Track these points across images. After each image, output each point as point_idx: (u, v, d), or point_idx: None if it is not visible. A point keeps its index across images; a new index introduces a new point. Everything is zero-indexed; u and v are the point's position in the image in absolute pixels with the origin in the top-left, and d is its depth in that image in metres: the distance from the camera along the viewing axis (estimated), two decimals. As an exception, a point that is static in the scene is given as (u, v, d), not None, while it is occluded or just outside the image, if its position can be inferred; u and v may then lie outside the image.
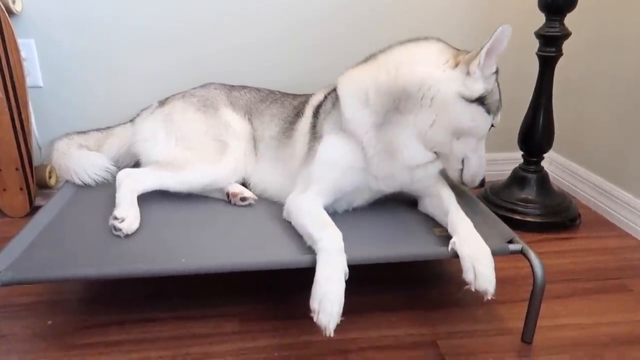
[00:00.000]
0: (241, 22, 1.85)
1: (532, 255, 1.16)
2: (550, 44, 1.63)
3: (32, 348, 1.18)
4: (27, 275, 1.11)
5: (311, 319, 1.03)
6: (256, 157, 1.54)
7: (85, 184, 1.55)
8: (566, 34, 1.61)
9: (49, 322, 1.26)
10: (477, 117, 1.21)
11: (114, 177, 1.48)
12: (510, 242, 1.23)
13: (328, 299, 1.03)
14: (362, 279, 1.08)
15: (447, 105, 1.19)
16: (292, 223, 1.28)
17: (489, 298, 1.07)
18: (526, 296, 1.18)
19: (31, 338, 1.21)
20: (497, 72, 1.25)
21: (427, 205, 1.38)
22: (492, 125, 1.27)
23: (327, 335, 1.01)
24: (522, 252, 1.19)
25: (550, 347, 1.19)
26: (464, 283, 1.10)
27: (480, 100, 1.21)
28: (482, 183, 1.32)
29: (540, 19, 1.63)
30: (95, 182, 1.55)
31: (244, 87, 1.69)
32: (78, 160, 1.56)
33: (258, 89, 1.68)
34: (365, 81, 1.27)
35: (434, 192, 1.36)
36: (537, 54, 1.67)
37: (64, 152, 1.58)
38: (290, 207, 1.30)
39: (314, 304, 1.03)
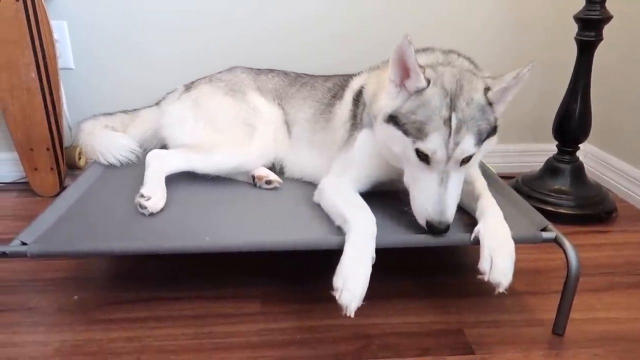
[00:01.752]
0: (269, 5, 1.84)
1: (567, 244, 1.11)
2: (590, 28, 1.56)
3: (58, 321, 1.20)
4: (54, 248, 1.13)
5: (333, 303, 1.00)
6: (290, 140, 1.52)
7: (110, 164, 1.56)
8: (607, 18, 1.54)
9: (75, 297, 1.27)
10: (392, 139, 1.11)
11: (139, 158, 1.50)
12: (544, 230, 1.18)
13: (353, 278, 1.01)
14: (384, 267, 1.05)
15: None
16: (323, 204, 1.26)
17: (501, 291, 1.03)
18: (558, 288, 1.14)
19: (57, 312, 1.23)
20: (426, 87, 1.07)
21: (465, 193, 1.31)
22: (426, 155, 1.06)
23: (347, 315, 0.99)
24: (555, 240, 1.15)
25: (582, 340, 1.15)
26: (478, 272, 1.06)
27: (393, 120, 1.09)
28: (431, 228, 1.09)
29: (580, 1, 1.56)
30: (120, 162, 1.56)
31: (270, 70, 1.68)
32: (103, 140, 1.58)
33: (285, 73, 1.66)
34: None
35: (467, 177, 1.30)
36: (575, 38, 1.61)
37: (90, 132, 1.60)
38: (324, 188, 1.28)
39: (338, 282, 1.01)
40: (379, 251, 1.07)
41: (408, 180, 1.14)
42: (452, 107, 1.05)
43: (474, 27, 1.90)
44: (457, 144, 1.05)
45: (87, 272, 1.39)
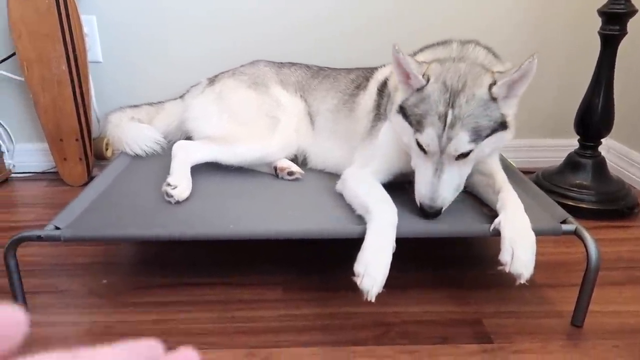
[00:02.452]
0: (289, 4, 1.87)
1: (587, 236, 1.12)
2: (614, 22, 1.55)
3: (88, 304, 1.25)
4: (85, 233, 1.18)
5: (353, 291, 1.03)
6: (313, 131, 1.55)
7: (136, 155, 1.61)
8: (632, 11, 1.53)
9: (104, 281, 1.32)
10: (401, 129, 1.18)
11: (164, 149, 1.55)
12: (564, 223, 1.19)
13: (374, 265, 1.03)
14: (404, 257, 1.07)
15: None
16: (345, 194, 1.28)
17: (522, 282, 1.03)
18: (577, 282, 1.14)
19: (87, 295, 1.28)
20: (425, 85, 1.12)
21: (478, 183, 1.33)
22: (424, 148, 1.13)
23: (368, 299, 1.01)
24: (575, 232, 1.15)
25: (601, 332, 1.15)
26: (499, 263, 1.06)
27: (402, 111, 1.17)
28: (422, 210, 1.17)
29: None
30: (145, 152, 1.61)
31: (292, 64, 1.70)
32: (129, 131, 1.63)
33: (307, 66, 1.69)
34: None
35: (487, 170, 1.32)
36: (599, 32, 1.60)
37: (117, 124, 1.65)
38: (347, 179, 1.31)
39: (359, 268, 1.03)
40: (400, 241, 1.09)
41: (413, 166, 1.20)
42: (450, 104, 1.09)
43: (494, 19, 1.90)
44: (449, 140, 1.09)
45: (115, 258, 1.45)
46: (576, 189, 1.71)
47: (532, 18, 1.91)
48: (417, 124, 1.13)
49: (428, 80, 1.12)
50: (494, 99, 1.10)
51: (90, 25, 1.84)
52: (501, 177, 1.29)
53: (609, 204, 1.68)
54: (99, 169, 1.89)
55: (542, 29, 1.92)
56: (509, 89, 1.11)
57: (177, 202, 1.29)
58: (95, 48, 1.88)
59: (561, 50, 1.94)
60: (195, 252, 1.44)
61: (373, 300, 1.01)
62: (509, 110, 1.14)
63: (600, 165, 1.73)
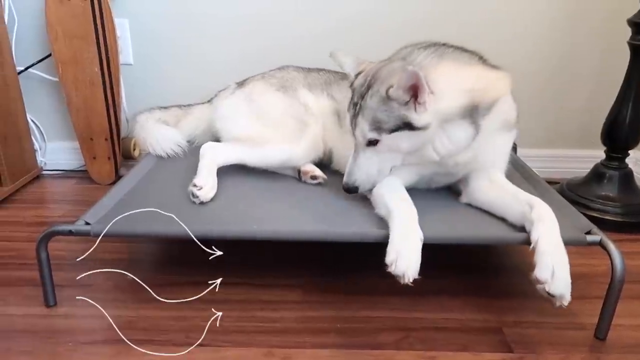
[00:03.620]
0: (317, 9, 1.90)
1: (612, 247, 1.10)
2: (645, 32, 1.53)
3: (113, 298, 1.28)
4: (114, 228, 1.20)
5: (373, 295, 1.04)
6: (341, 129, 1.55)
7: (158, 155, 1.65)
8: (663, 22, 1.51)
9: (129, 277, 1.35)
10: None
11: (185, 152, 1.61)
12: (588, 233, 1.17)
13: (405, 249, 1.05)
14: (426, 264, 1.06)
15: None
16: (371, 195, 1.29)
17: (564, 305, 1.02)
18: (601, 294, 1.13)
19: (112, 289, 1.32)
20: (354, 79, 1.28)
21: (495, 196, 1.28)
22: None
23: (406, 281, 1.02)
24: (600, 243, 1.14)
25: (625, 346, 1.13)
26: (535, 281, 1.03)
27: None
28: (346, 187, 1.26)
29: (634, 4, 1.54)
30: (167, 154, 1.64)
31: (320, 69, 1.72)
32: (153, 133, 1.67)
33: (335, 72, 1.70)
34: None
35: (496, 179, 1.30)
36: (628, 42, 1.58)
37: (142, 125, 1.69)
38: None
39: (391, 254, 1.05)
40: (423, 247, 1.09)
41: None
42: (362, 96, 1.20)
43: (523, 28, 1.90)
44: (356, 125, 1.21)
45: (140, 255, 1.49)
46: (601, 200, 1.69)
47: (560, 28, 1.90)
48: (347, 110, 1.28)
49: (356, 76, 1.28)
50: (393, 99, 1.14)
51: (122, 28, 1.90)
52: (522, 193, 1.25)
53: (634, 216, 1.66)
54: (126, 168, 1.95)
55: (571, 39, 1.91)
56: (408, 94, 1.12)
57: (202, 203, 1.32)
58: (126, 51, 1.93)
59: (590, 60, 1.93)
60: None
61: (411, 281, 1.02)
62: (422, 115, 1.14)
63: (627, 177, 1.70)
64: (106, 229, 1.18)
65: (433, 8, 1.89)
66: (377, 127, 1.18)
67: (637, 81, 1.60)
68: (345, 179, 1.27)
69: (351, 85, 1.29)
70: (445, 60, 1.22)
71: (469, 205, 1.33)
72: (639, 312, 1.25)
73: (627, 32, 1.58)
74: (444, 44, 1.29)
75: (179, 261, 1.45)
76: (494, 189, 1.28)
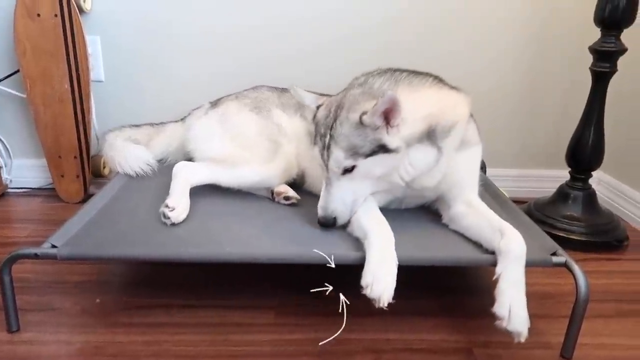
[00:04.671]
0: (293, 28, 1.92)
1: (576, 269, 1.14)
2: (605, 60, 1.60)
3: (80, 323, 1.25)
4: (82, 251, 1.18)
5: (345, 317, 1.03)
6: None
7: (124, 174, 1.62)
8: (622, 50, 1.58)
9: (98, 300, 1.32)
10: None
11: (158, 171, 1.58)
12: (554, 254, 1.21)
13: (382, 271, 1.06)
14: (399, 285, 1.08)
15: None
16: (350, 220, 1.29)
17: (520, 340, 1.05)
18: (567, 313, 1.16)
19: (80, 313, 1.28)
20: (316, 111, 1.30)
21: (466, 218, 1.30)
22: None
23: (381, 305, 1.03)
24: (565, 265, 1.17)
25: (590, 365, 1.16)
26: (494, 315, 1.06)
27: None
28: (319, 220, 1.26)
29: (595, 33, 1.61)
30: (136, 173, 1.62)
31: (292, 89, 1.73)
32: (121, 152, 1.64)
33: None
34: None
35: (467, 199, 1.32)
36: (590, 69, 1.65)
37: (111, 143, 1.67)
38: None
39: (367, 278, 1.06)
40: (397, 268, 1.10)
41: None
42: (330, 126, 1.21)
43: (495, 56, 1.97)
44: (329, 156, 1.21)
45: (109, 277, 1.45)
46: (567, 220, 1.74)
47: (528, 57, 1.97)
48: (313, 144, 1.28)
49: (318, 108, 1.30)
50: (367, 125, 1.16)
51: (94, 45, 1.88)
52: (492, 215, 1.27)
53: (599, 236, 1.71)
54: (96, 186, 1.91)
55: (538, 66, 1.99)
56: (382, 117, 1.15)
57: (173, 224, 1.30)
58: (98, 67, 1.91)
59: (555, 85, 2.00)
60: (189, 273, 1.45)
61: (386, 305, 1.03)
62: (394, 137, 1.18)
63: (590, 197, 1.76)
64: (73, 252, 1.15)
65: (412, 37, 1.93)
66: (353, 152, 1.18)
67: (598, 105, 1.67)
68: (321, 212, 1.25)
69: (314, 118, 1.30)
70: (401, 86, 1.25)
71: (445, 226, 1.35)
72: (602, 331, 1.28)
73: (590, 59, 1.65)
74: (396, 70, 1.32)
75: (150, 282, 1.43)
76: (471, 214, 1.29)
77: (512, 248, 1.13)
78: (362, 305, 1.08)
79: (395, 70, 1.32)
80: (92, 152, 1.92)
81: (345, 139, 1.19)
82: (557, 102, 2.02)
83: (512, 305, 1.05)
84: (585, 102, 1.70)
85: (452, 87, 1.33)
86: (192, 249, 1.20)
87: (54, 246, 1.16)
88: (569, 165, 1.77)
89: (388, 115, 1.16)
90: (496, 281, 1.11)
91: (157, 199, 1.38)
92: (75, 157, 1.88)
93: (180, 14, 1.89)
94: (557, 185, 1.84)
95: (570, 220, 1.73)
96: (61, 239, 1.20)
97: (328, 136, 1.22)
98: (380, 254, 1.11)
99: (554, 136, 2.03)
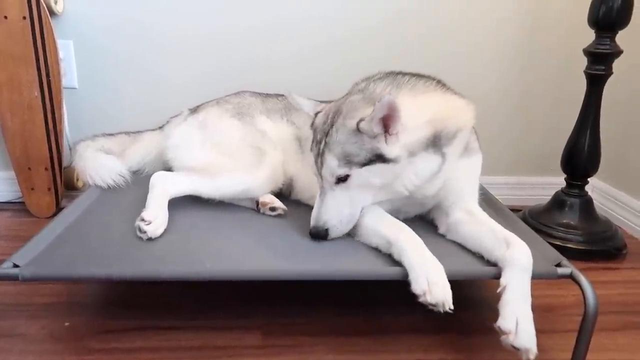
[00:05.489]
0: (283, 31, 1.85)
1: (583, 280, 1.07)
2: (600, 62, 1.56)
3: (47, 349, 1.14)
4: (48, 271, 1.08)
5: (337, 336, 0.95)
6: (302, 155, 1.48)
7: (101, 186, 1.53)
8: (617, 52, 1.54)
9: (66, 324, 1.22)
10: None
11: (133, 182, 1.50)
12: (558, 265, 1.14)
13: (433, 272, 1.01)
14: (395, 301, 1.00)
15: None
16: (358, 229, 1.21)
17: (529, 358, 0.97)
18: (571, 327, 1.10)
19: (47, 339, 1.17)
20: (314, 118, 1.26)
21: (468, 228, 1.24)
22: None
23: (448, 309, 0.99)
24: (571, 276, 1.10)
25: (600, 383, 1.09)
26: (499, 330, 0.99)
27: None
28: (310, 232, 1.20)
29: (589, 35, 1.57)
30: (108, 185, 1.53)
31: (278, 95, 1.65)
32: (92, 163, 1.55)
33: (293, 98, 1.64)
34: None
35: (469, 209, 1.27)
36: (585, 71, 1.60)
37: (81, 154, 1.57)
38: None
39: (420, 283, 1.00)
40: (392, 284, 1.03)
41: None
42: (326, 133, 1.16)
43: (488, 63, 1.92)
44: (323, 163, 1.15)
45: (80, 298, 1.34)
46: (563, 228, 1.68)
47: (521, 62, 1.93)
48: (310, 150, 1.23)
49: (316, 115, 1.25)
50: (364, 132, 1.11)
51: (66, 49, 1.78)
52: (497, 225, 1.21)
53: (597, 244, 1.65)
54: (69, 199, 1.79)
55: (530, 70, 1.94)
56: (380, 125, 1.09)
57: (150, 239, 1.21)
58: (71, 73, 1.81)
59: (548, 89, 1.96)
60: (168, 292, 1.35)
61: (452, 308, 0.99)
62: (393, 146, 1.12)
63: (587, 204, 1.71)
64: (38, 273, 1.04)
65: (402, 44, 1.87)
66: (348, 161, 1.13)
67: (594, 108, 1.63)
68: (312, 222, 1.19)
69: (312, 125, 1.25)
70: (404, 90, 1.20)
71: (442, 236, 1.28)
72: (609, 345, 1.22)
73: (584, 62, 1.60)
74: (398, 73, 1.27)
75: (124, 303, 1.32)
76: (472, 223, 1.23)
77: (518, 258, 1.07)
78: (355, 323, 1.00)
79: (398, 73, 1.26)
80: (65, 163, 1.81)
81: (339, 146, 1.13)
82: (551, 107, 1.97)
83: (518, 319, 0.98)
84: (580, 107, 1.66)
85: (456, 92, 1.28)
86: (170, 266, 1.11)
87: (16, 265, 1.06)
88: (565, 172, 1.72)
89: (387, 123, 1.09)
90: (495, 294, 1.04)
91: (132, 213, 1.28)
92: (46, 169, 1.77)
93: (160, 16, 1.79)
94: (551, 192, 1.78)
95: (566, 229, 1.68)
96: (24, 258, 1.09)
97: (323, 143, 1.16)
98: (421, 257, 1.06)
99: (547, 142, 1.98)
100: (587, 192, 1.72)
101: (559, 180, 1.76)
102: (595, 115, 1.63)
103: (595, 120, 1.64)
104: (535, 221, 1.73)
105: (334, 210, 1.17)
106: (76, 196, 1.56)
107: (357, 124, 1.11)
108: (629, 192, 1.89)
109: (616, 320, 1.32)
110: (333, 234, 1.18)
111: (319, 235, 1.18)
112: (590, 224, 1.69)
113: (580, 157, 1.66)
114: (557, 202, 1.74)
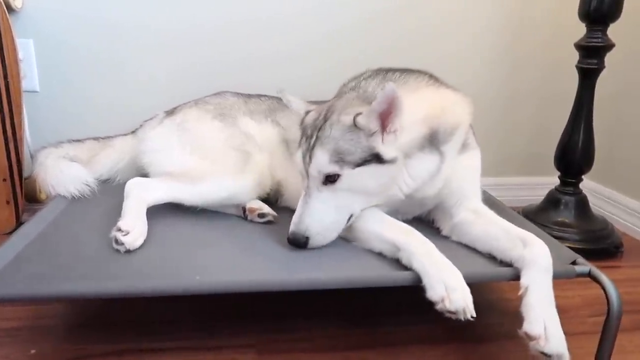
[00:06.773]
0: (256, 30, 1.76)
1: (604, 278, 1.02)
2: (592, 56, 1.54)
3: (9, 382, 0.99)
4: (10, 291, 0.94)
5: (337, 352, 0.85)
6: (290, 158, 1.38)
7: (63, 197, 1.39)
8: (609, 45, 1.53)
9: (32, 352, 1.08)
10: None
11: (100, 192, 1.39)
12: (574, 263, 1.08)
13: (450, 277, 0.94)
14: (401, 310, 0.91)
15: None
16: (355, 236, 1.13)
17: None
18: (586, 329, 1.06)
19: (10, 369, 1.02)
20: (304, 116, 1.19)
21: (472, 226, 1.17)
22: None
23: (468, 317, 0.92)
24: (589, 274, 1.04)
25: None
26: (526, 337, 0.92)
27: None
28: (289, 238, 1.10)
29: (580, 29, 1.54)
30: (73, 195, 1.39)
31: (260, 95, 1.56)
32: (54, 172, 1.41)
33: (278, 98, 1.54)
34: None
35: (475, 208, 1.20)
36: (577, 66, 1.58)
37: (42, 162, 1.43)
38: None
39: (437, 290, 0.93)
40: (398, 290, 0.95)
41: None
42: (318, 128, 1.09)
43: (478, 63, 1.89)
44: (311, 159, 1.07)
45: (47, 319, 1.20)
46: (558, 227, 1.65)
47: (511, 59, 1.91)
48: (297, 147, 1.15)
49: (307, 113, 1.18)
50: (360, 128, 1.05)
51: (26, 49, 1.65)
52: (510, 223, 1.15)
53: (594, 242, 1.62)
54: (30, 213, 1.64)
55: (519, 67, 1.92)
56: (378, 121, 1.04)
57: (128, 251, 1.09)
58: (31, 75, 1.68)
59: (538, 87, 1.94)
60: (149, 310, 1.23)
61: (474, 315, 0.92)
62: (391, 147, 1.06)
63: (582, 202, 1.68)
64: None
65: (388, 44, 1.82)
66: (340, 159, 1.05)
67: (587, 103, 1.60)
68: (292, 227, 1.09)
69: (301, 123, 1.17)
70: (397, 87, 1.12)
71: (446, 238, 1.21)
72: (624, 347, 1.16)
73: (575, 57, 1.58)
74: (388, 70, 1.21)
75: (99, 325, 1.19)
76: (480, 223, 1.16)
77: (538, 258, 1.00)
78: (358, 335, 0.91)
79: (387, 70, 1.20)
80: (26, 173, 1.66)
81: (333, 142, 1.06)
82: (540, 106, 1.96)
83: (546, 323, 0.91)
84: (571, 104, 1.63)
85: (450, 87, 1.21)
86: (153, 280, 1.00)
87: (-29, 286, 0.91)
88: (558, 169, 1.69)
89: (385, 120, 1.03)
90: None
91: (105, 224, 1.16)
92: (4, 180, 1.62)
93: (130, 10, 1.68)
94: (543, 193, 1.75)
95: (562, 227, 1.64)
96: (-19, 277, 0.95)
97: (314, 137, 1.08)
98: (435, 261, 0.98)
99: (538, 141, 1.96)
100: (581, 190, 1.69)
101: (551, 180, 1.73)
102: (588, 111, 1.61)
103: (589, 116, 1.61)
104: (530, 220, 1.67)
105: (318, 215, 1.08)
106: (39, 209, 1.42)
107: (354, 119, 1.04)
108: (621, 190, 1.87)
109: (629, 321, 1.25)
110: (313, 242, 1.08)
111: (298, 242, 1.08)
112: (586, 222, 1.66)
113: (574, 154, 1.63)
114: (552, 201, 1.70)
